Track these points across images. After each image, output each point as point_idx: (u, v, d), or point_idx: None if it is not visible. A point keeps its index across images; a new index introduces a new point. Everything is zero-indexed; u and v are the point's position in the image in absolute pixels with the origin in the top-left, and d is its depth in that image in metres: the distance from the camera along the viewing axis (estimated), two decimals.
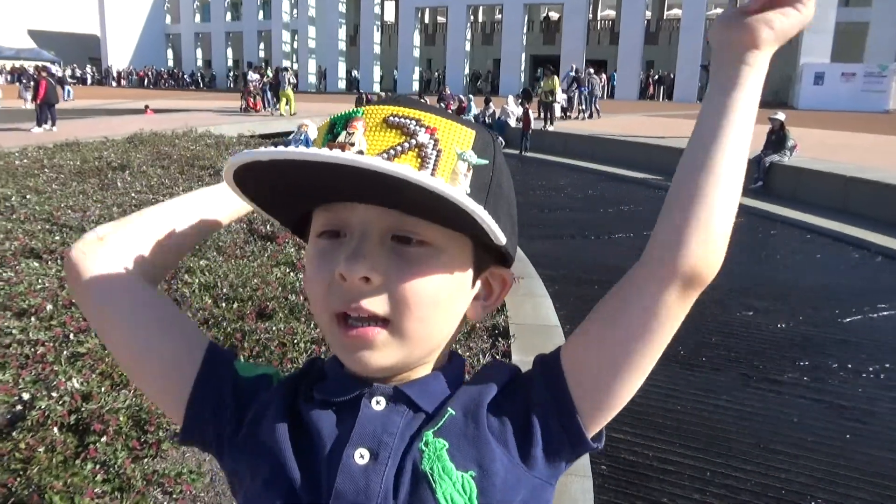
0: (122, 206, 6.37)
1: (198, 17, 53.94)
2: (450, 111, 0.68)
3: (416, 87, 40.56)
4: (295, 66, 45.95)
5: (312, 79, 45.25)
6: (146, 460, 2.64)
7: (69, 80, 40.24)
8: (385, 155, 0.59)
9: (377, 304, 0.61)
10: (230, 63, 52.36)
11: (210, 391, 0.70)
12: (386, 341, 0.62)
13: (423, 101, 0.66)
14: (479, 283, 0.69)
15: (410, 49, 42.08)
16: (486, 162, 0.62)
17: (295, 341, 3.56)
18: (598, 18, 45.92)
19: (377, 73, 43.66)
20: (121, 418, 2.72)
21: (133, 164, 8.92)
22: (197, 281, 4.12)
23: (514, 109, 18.53)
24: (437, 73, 43.25)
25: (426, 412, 0.65)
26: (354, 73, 44.28)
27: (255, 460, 0.66)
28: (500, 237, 0.60)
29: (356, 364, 0.63)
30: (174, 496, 2.47)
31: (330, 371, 0.70)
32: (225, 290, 4.03)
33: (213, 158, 9.67)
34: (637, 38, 34.94)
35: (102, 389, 2.89)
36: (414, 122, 0.61)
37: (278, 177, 0.60)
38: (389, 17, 50.39)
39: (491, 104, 19.54)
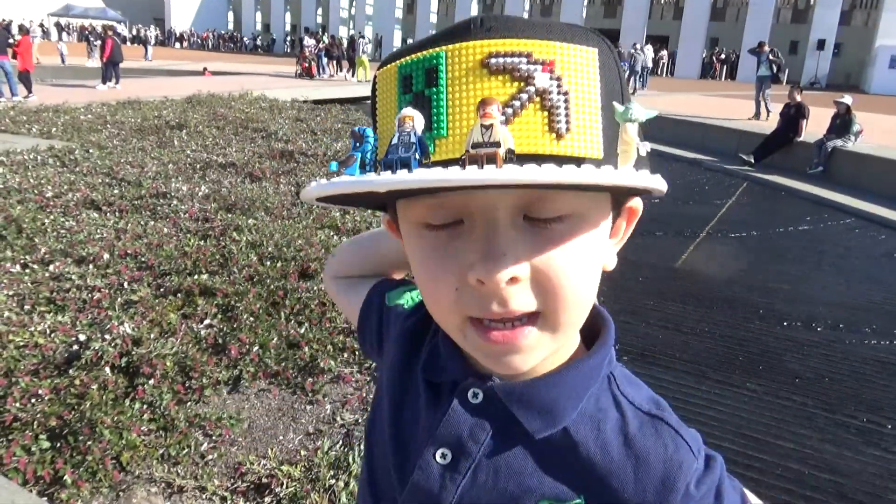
0: (177, 163, 6.59)
1: None
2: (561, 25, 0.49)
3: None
4: (352, 32, 46.07)
5: (368, 47, 45.27)
6: (189, 404, 2.78)
7: (129, 40, 41.13)
8: (503, 116, 0.45)
9: (526, 302, 0.50)
10: (288, 28, 52.79)
11: (366, 318, 0.78)
12: (537, 339, 0.52)
13: (519, 18, 0.49)
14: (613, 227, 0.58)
15: (468, 15, 41.59)
16: (656, 112, 0.49)
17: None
18: None
19: None
20: (168, 363, 2.87)
21: (190, 123, 9.18)
22: (244, 239, 4.26)
23: None
24: None
25: (527, 430, 0.57)
26: (410, 41, 44.12)
27: (376, 400, 0.73)
28: (663, 187, 0.49)
29: (504, 369, 0.54)
30: (214, 438, 2.61)
31: (444, 346, 0.62)
32: (270, 248, 4.15)
33: (267, 121, 9.86)
34: (702, 13, 33.73)
35: (152, 336, 3.05)
36: (524, 59, 0.46)
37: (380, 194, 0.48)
38: None
39: None
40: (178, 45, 51.13)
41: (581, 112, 0.46)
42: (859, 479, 2.97)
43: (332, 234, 4.75)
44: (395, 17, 44.68)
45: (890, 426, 3.37)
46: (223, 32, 53.25)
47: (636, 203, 0.58)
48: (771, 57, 13.78)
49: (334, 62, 24.86)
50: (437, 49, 0.48)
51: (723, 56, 35.81)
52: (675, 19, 38.90)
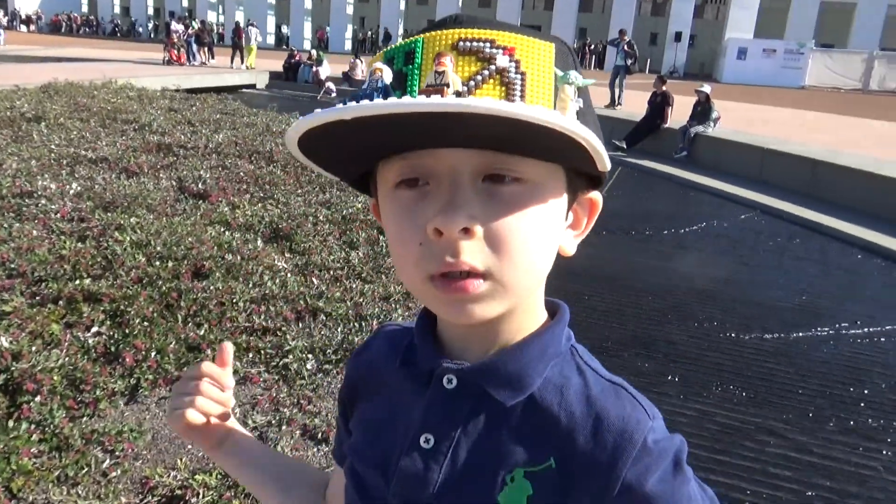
0: (40, 158, 6.03)
1: None
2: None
3: (348, 45, 39.59)
4: (221, 19, 44.00)
5: (258, 35, 43.46)
6: (84, 419, 2.58)
7: None
8: (464, 87, 0.51)
9: (476, 257, 0.55)
10: (150, 11, 49.55)
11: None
12: (488, 290, 0.56)
13: (488, 17, 0.57)
14: (570, 213, 0.63)
15: (343, 5, 40.94)
16: (592, 81, 0.55)
17: (234, 300, 3.53)
18: None
19: (308, 29, 42.34)
20: (55, 377, 2.65)
21: (49, 115, 8.40)
22: (128, 239, 3.98)
23: None
24: (370, 32, 42.24)
25: (502, 403, 0.61)
26: (284, 28, 42.80)
27: (359, 425, 0.74)
28: (608, 164, 0.56)
29: (461, 317, 0.58)
30: (116, 454, 2.44)
31: (417, 337, 0.68)
32: (158, 248, 3.92)
33: (137, 112, 9.22)
34: (572, 4, 35.19)
35: (33, 349, 2.80)
36: (488, 44, 0.53)
37: (350, 133, 0.52)
38: None
39: None
40: (23, 28, 46.62)
41: (535, 89, 0.53)
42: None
43: (223, 230, 4.55)
44: (266, 2, 43.08)
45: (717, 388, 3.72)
46: (78, 15, 49.11)
47: (595, 196, 0.64)
48: (626, 48, 14.67)
49: (205, 49, 23.63)
50: (417, 37, 0.55)
51: (592, 46, 37.60)
52: (547, 9, 40.32)
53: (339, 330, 3.49)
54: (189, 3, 46.95)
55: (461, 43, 0.53)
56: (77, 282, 3.41)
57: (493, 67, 0.52)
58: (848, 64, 30.29)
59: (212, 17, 41.79)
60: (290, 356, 3.18)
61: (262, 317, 3.46)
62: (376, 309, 3.73)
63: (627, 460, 0.58)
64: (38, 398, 2.54)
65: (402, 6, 40.86)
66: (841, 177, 8.60)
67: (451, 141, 0.53)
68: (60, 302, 3.26)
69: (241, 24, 24.26)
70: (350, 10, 42.26)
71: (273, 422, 2.76)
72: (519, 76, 0.52)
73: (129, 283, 3.48)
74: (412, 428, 0.64)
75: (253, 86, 20.34)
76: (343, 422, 0.78)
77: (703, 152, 10.86)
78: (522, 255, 0.56)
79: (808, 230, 7.51)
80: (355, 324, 3.55)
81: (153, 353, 2.97)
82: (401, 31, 39.43)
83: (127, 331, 3.10)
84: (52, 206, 4.57)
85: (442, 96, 0.49)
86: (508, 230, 0.55)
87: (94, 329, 3.10)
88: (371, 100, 0.51)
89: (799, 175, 9.16)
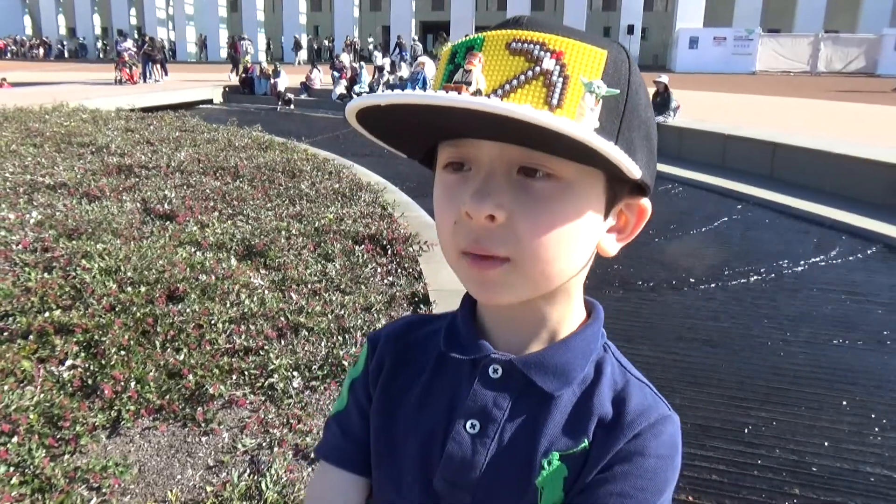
0: None
1: None
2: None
3: (304, 55, 39.27)
4: (172, 35, 43.28)
5: (192, 47, 42.79)
6: (65, 457, 2.48)
7: None
8: (507, 86, 0.55)
9: (499, 245, 0.59)
10: (98, 31, 48.45)
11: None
12: (507, 278, 0.60)
13: (551, 20, 0.60)
14: (612, 215, 0.65)
15: (296, 15, 40.61)
16: (617, 91, 0.57)
17: (212, 322, 3.44)
18: None
19: (262, 40, 41.85)
20: (31, 416, 2.54)
21: (0, 143, 8.13)
22: (96, 266, 3.86)
23: (405, 74, 18.40)
24: (326, 41, 41.94)
25: (547, 392, 0.66)
26: (246, 39, 42.28)
27: (387, 416, 0.74)
28: (635, 171, 0.57)
29: (483, 297, 0.64)
30: (102, 491, 2.34)
31: (461, 322, 0.72)
32: (129, 273, 3.80)
33: (93, 134, 8.99)
34: (525, 3, 35.44)
35: (6, 387, 2.68)
36: (538, 46, 0.55)
37: (400, 118, 0.58)
38: None
39: (384, 71, 19.26)
40: None
41: (573, 94, 0.55)
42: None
43: (194, 250, 4.44)
44: (219, 15, 42.46)
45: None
46: (24, 38, 47.73)
47: (644, 203, 0.67)
48: None
49: (158, 66, 23.16)
50: (480, 34, 0.59)
51: None
52: (500, 10, 40.56)
53: (322, 344, 3.42)
54: (138, 20, 46.06)
55: (513, 43, 0.56)
56: (46, 314, 3.28)
57: (538, 69, 0.55)
58: (795, 48, 31.05)
59: (162, 33, 40.95)
60: (275, 375, 3.11)
61: (243, 337, 3.38)
62: (359, 320, 3.67)
63: (635, 430, 0.64)
64: (14, 439, 2.43)
65: (356, 13, 40.65)
66: (799, 157, 8.81)
67: (488, 134, 0.57)
68: (30, 336, 3.13)
69: (235, 39, 24.74)
70: (303, 19, 41.86)
71: (264, 444, 2.69)
72: (561, 80, 0.54)
73: (102, 311, 3.37)
74: (455, 413, 0.68)
75: (210, 101, 20.02)
76: (357, 408, 0.78)
77: (664, 142, 11.01)
78: (545, 246, 0.59)
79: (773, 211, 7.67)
80: (339, 337, 3.48)
81: (133, 383, 2.86)
82: (356, 38, 39.29)
83: (103, 361, 3.00)
84: (13, 238, 4.40)
85: (458, 93, 0.53)
86: (533, 221, 0.58)
87: (69, 362, 2.99)
88: (409, 90, 0.55)
89: (760, 158, 9.35)
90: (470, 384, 0.68)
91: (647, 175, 0.62)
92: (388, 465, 0.73)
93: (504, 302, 0.63)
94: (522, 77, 0.55)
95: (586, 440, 0.64)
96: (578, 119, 0.54)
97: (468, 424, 0.66)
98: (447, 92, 0.54)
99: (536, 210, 0.58)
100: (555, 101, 0.54)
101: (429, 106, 0.53)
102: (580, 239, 0.61)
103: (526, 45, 0.55)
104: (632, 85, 0.59)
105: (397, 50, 26.09)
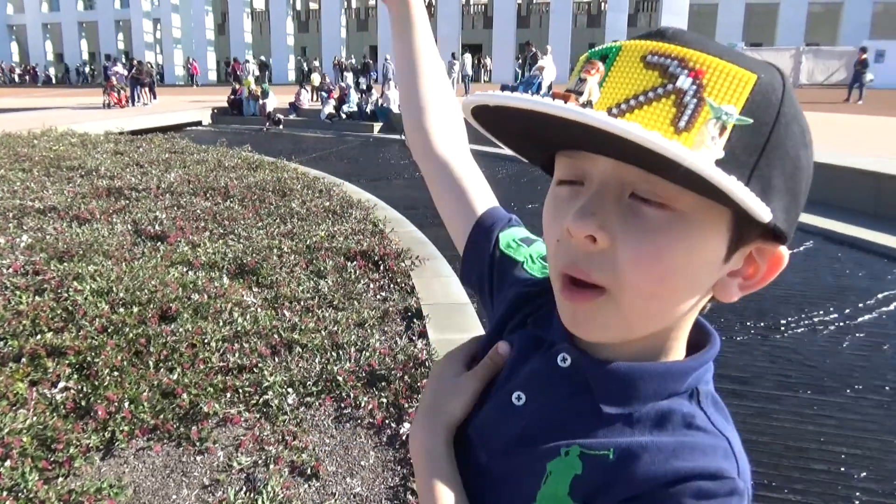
0: None
1: (45, 7, 49.49)
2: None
3: (292, 76, 39.48)
4: (159, 59, 43.40)
5: (180, 70, 42.88)
6: (59, 480, 2.46)
7: None
8: (633, 101, 0.50)
9: (597, 270, 0.54)
10: (85, 56, 48.52)
11: (474, 259, 0.81)
12: (600, 309, 0.56)
13: (702, 36, 0.53)
14: (736, 258, 0.57)
15: (284, 37, 40.87)
16: (750, 121, 0.49)
17: (206, 341, 3.43)
18: (471, 3, 46.55)
19: (251, 62, 42.00)
20: (24, 439, 2.52)
21: None
22: (88, 287, 3.85)
23: (393, 95, 18.53)
24: (316, 62, 42.15)
25: (599, 405, 0.60)
26: (247, 61, 42.47)
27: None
28: (763, 214, 0.48)
29: (570, 324, 0.59)
30: None
31: (557, 308, 0.64)
32: (121, 294, 3.79)
33: (82, 158, 8.99)
34: (510, 21, 35.84)
35: None
36: (676, 61, 0.50)
37: (511, 121, 0.56)
38: (259, 3, 48.53)
39: (373, 91, 19.39)
40: None
41: (702, 119, 0.49)
42: None
43: (186, 270, 4.44)
44: (206, 38, 42.65)
45: None
46: (12, 65, 47.73)
47: (783, 251, 0.57)
48: (530, 61, 16.10)
49: (146, 89, 23.19)
50: (618, 43, 0.56)
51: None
52: (486, 28, 40.96)
53: (316, 360, 3.42)
54: (125, 45, 46.19)
55: (650, 56, 0.52)
56: (38, 337, 3.27)
57: (670, 87, 0.50)
58: (777, 61, 30.83)
59: (149, 56, 41.05)
60: (270, 392, 3.10)
61: (237, 355, 3.37)
62: (352, 336, 3.67)
63: (672, 477, 0.54)
64: (8, 462, 2.41)
65: (343, 34, 40.96)
66: None
67: (597, 148, 0.53)
68: (23, 359, 3.12)
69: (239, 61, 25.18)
70: (291, 41, 42.14)
71: (259, 462, 2.68)
72: (694, 101, 0.49)
73: (94, 333, 3.35)
74: (511, 374, 0.67)
75: (198, 123, 20.05)
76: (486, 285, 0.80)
77: None
78: (646, 280, 0.54)
79: None
80: (333, 353, 3.48)
81: (126, 404, 2.85)
82: (343, 58, 39.54)
83: (96, 383, 2.98)
84: (4, 262, 4.39)
85: (564, 102, 0.50)
86: (636, 251, 0.53)
87: (62, 384, 2.97)
88: (518, 93, 0.55)
89: None
90: (536, 359, 0.66)
91: (782, 220, 0.53)
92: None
93: (594, 340, 0.59)
94: (651, 93, 0.50)
95: (612, 450, 0.57)
96: (697, 146, 0.48)
97: (514, 396, 0.65)
98: (554, 99, 0.51)
99: (642, 239, 0.53)
100: (682, 124, 0.49)
101: (532, 112, 0.50)
102: (689, 278, 0.55)
103: (663, 59, 0.51)
104: (781, 117, 0.51)
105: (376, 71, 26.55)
